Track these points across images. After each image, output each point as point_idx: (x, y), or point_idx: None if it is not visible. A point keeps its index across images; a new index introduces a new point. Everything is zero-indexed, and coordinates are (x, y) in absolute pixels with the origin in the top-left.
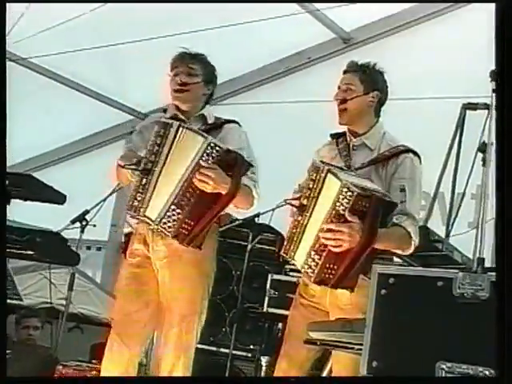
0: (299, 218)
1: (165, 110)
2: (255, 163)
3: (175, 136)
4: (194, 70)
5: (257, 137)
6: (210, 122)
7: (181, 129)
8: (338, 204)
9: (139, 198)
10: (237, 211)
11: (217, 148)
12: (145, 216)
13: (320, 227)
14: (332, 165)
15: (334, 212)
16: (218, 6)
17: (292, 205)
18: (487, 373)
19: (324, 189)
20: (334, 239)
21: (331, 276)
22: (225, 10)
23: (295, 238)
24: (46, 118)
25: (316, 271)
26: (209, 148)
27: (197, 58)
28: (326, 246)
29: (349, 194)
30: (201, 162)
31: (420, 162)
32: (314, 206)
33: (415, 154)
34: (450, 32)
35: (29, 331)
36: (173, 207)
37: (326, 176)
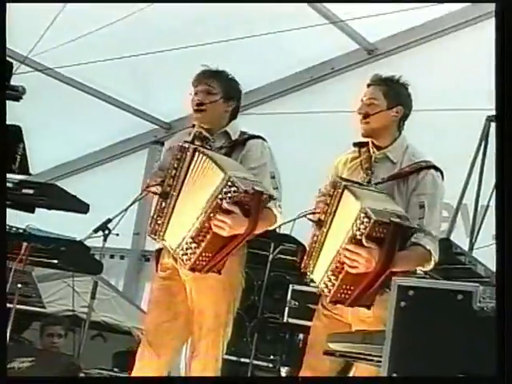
0: (317, 232)
1: (194, 125)
2: (278, 176)
3: (191, 160)
4: (211, 89)
5: (281, 146)
6: (233, 138)
7: (197, 153)
8: (355, 228)
9: (159, 222)
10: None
11: (236, 186)
12: (164, 240)
13: (337, 248)
14: (350, 180)
15: (351, 235)
16: (244, 16)
17: (310, 219)
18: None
19: (341, 206)
20: (351, 259)
21: (347, 296)
22: (250, 21)
23: (314, 253)
24: (69, 128)
25: (332, 291)
26: (227, 186)
27: (215, 75)
28: (343, 267)
29: (366, 220)
30: (219, 200)
31: (442, 177)
32: (331, 222)
33: (437, 169)
34: (475, 44)
35: (53, 339)
36: (190, 240)
37: (342, 192)
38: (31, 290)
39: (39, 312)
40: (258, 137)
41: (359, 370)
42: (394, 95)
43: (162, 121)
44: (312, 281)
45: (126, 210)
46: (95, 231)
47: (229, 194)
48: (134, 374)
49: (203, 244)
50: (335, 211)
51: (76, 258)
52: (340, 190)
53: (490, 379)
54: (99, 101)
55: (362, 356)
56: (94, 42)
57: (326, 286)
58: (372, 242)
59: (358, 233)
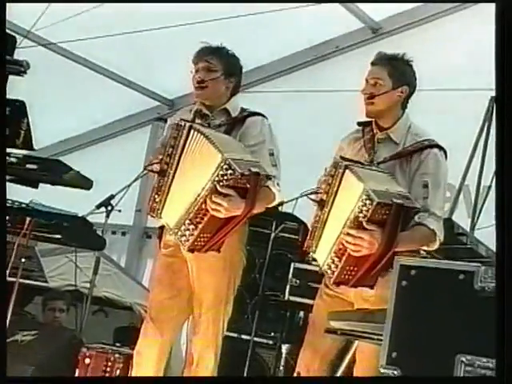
0: (319, 212)
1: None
2: (277, 153)
3: (186, 138)
4: (212, 66)
5: (284, 124)
6: (233, 115)
7: (192, 131)
8: (357, 210)
9: (157, 200)
10: None
11: (232, 168)
12: (161, 218)
13: (340, 230)
14: (351, 160)
15: (353, 217)
16: None
17: (311, 199)
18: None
19: (342, 186)
20: (354, 244)
21: (350, 277)
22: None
23: (316, 233)
24: (73, 103)
25: (336, 273)
26: (223, 169)
27: (215, 52)
28: (345, 249)
29: (368, 202)
30: (215, 184)
31: (446, 156)
32: (333, 202)
33: (440, 148)
34: (480, 23)
35: (55, 313)
36: (187, 222)
37: (343, 173)
38: (34, 265)
39: (42, 286)
40: (258, 114)
41: (360, 348)
42: (399, 75)
43: (165, 98)
44: (314, 260)
45: (128, 186)
46: (98, 207)
47: (225, 177)
48: (138, 351)
49: (200, 226)
50: (337, 191)
51: (78, 233)
52: (341, 170)
53: (490, 379)
54: (103, 77)
55: (363, 334)
56: (98, 18)
57: (330, 268)
58: (374, 224)
59: (360, 215)
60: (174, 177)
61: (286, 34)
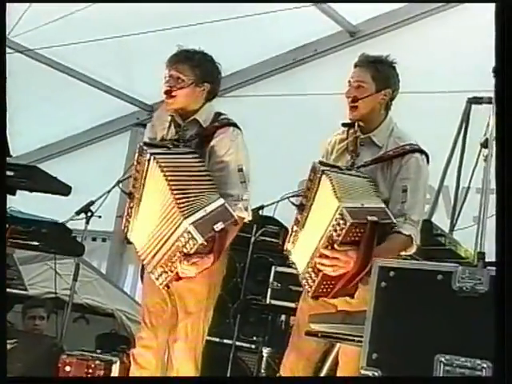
0: (298, 216)
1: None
2: (247, 166)
3: (148, 167)
4: (181, 74)
5: (263, 129)
6: (204, 125)
7: (152, 162)
8: (332, 228)
9: (128, 219)
10: None
11: (192, 234)
12: (127, 237)
13: (316, 244)
14: (329, 165)
15: (328, 235)
16: None
17: (292, 202)
18: (485, 365)
19: (319, 192)
20: (329, 265)
21: (329, 290)
22: (232, 2)
23: (295, 237)
24: (51, 110)
25: (313, 288)
26: (187, 234)
27: (186, 59)
28: (319, 271)
29: (342, 222)
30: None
31: (427, 161)
32: (311, 207)
33: (422, 152)
34: (457, 26)
35: (35, 321)
36: (146, 256)
37: (320, 178)
38: (13, 272)
39: (21, 294)
40: (229, 124)
41: (343, 350)
42: (383, 78)
43: (144, 103)
44: (294, 263)
45: (108, 192)
46: (77, 213)
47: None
48: (135, 356)
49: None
50: (314, 197)
51: (57, 240)
52: (319, 176)
53: (490, 379)
54: (81, 83)
55: (344, 336)
56: (76, 24)
57: (307, 282)
58: (348, 244)
59: (334, 234)
60: (139, 203)
61: (265, 37)
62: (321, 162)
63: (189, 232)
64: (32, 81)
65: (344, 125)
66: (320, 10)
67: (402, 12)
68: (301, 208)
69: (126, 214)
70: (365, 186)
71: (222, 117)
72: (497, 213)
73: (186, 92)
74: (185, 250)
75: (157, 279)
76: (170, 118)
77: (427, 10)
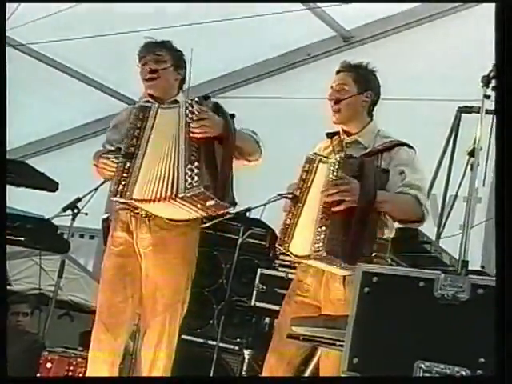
0: (292, 208)
1: (135, 103)
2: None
3: (155, 117)
4: (161, 57)
5: (255, 130)
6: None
7: (160, 110)
8: (330, 177)
9: (123, 182)
10: (249, 164)
11: (195, 99)
12: (132, 199)
13: (317, 211)
14: (324, 156)
15: (327, 181)
16: (221, 1)
17: (285, 197)
18: (463, 373)
19: (316, 178)
20: (337, 193)
21: (340, 245)
22: (227, 5)
23: (289, 230)
24: (41, 105)
25: (326, 241)
26: (189, 106)
27: (162, 44)
28: (328, 214)
29: (335, 162)
30: (187, 119)
31: (415, 154)
32: (307, 195)
33: (410, 147)
34: (450, 34)
35: (18, 317)
36: (189, 166)
37: (317, 165)
38: None
39: None
40: (209, 97)
41: (325, 353)
42: (364, 81)
43: (135, 100)
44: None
45: (95, 189)
46: (64, 210)
47: (195, 110)
48: (92, 358)
49: (198, 164)
50: (311, 185)
51: (42, 236)
52: (315, 164)
53: (490, 379)
54: (72, 79)
55: (325, 340)
56: (69, 19)
57: (317, 242)
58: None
59: (332, 176)
60: (143, 156)
61: (258, 40)
62: (315, 153)
63: (188, 102)
64: (23, 76)
65: (328, 135)
66: (314, 14)
67: (395, 19)
68: (294, 200)
69: (119, 177)
70: None
71: None
72: (496, 221)
73: (167, 74)
74: (193, 115)
75: (185, 186)
76: (143, 101)
77: (421, 18)
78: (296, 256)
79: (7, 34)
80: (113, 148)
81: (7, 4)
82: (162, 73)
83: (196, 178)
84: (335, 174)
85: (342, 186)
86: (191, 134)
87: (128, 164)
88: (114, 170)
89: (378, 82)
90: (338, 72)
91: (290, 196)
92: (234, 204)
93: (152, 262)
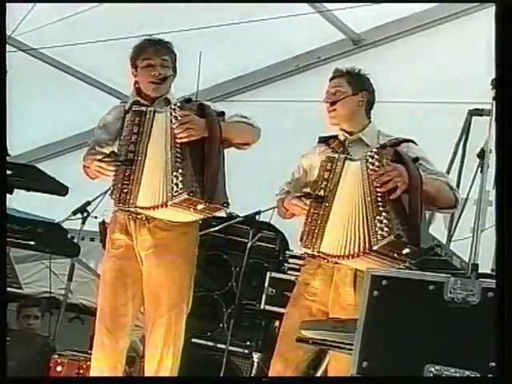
0: (316, 210)
1: (123, 102)
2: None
3: (152, 123)
4: (167, 62)
5: (263, 134)
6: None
7: (156, 114)
8: (371, 168)
9: (126, 190)
10: (244, 148)
11: (178, 105)
12: (136, 207)
13: (353, 210)
14: (349, 153)
15: (370, 178)
16: (231, 4)
17: (306, 197)
18: (473, 377)
19: (342, 177)
20: (388, 181)
21: (405, 229)
22: (237, 7)
23: (316, 231)
24: (52, 109)
25: (390, 225)
26: (172, 112)
27: (168, 49)
28: (385, 205)
29: (374, 152)
30: (172, 125)
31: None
32: (334, 195)
33: (415, 143)
34: (460, 37)
35: (29, 320)
36: (174, 173)
37: (343, 164)
38: (8, 271)
39: (16, 293)
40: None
41: (336, 356)
42: (357, 82)
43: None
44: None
45: (105, 193)
46: (74, 213)
47: (177, 113)
48: (96, 361)
49: (186, 165)
50: (337, 184)
51: (53, 239)
52: (340, 163)
53: (490, 379)
54: (84, 83)
55: (334, 344)
56: (81, 24)
57: (381, 229)
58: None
59: (375, 168)
60: (144, 163)
61: (268, 43)
62: (336, 151)
63: (172, 106)
64: (34, 80)
65: (321, 139)
66: (324, 18)
67: (405, 22)
68: (319, 201)
69: (120, 184)
70: None
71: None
72: (496, 224)
73: (170, 78)
74: (176, 117)
75: (175, 189)
76: (132, 100)
77: (430, 21)
78: (331, 256)
79: (18, 39)
80: (104, 150)
81: (15, 5)
82: (168, 79)
83: (180, 186)
84: (376, 164)
85: (392, 172)
86: (176, 140)
87: (128, 171)
88: (109, 173)
89: (371, 84)
90: (331, 79)
91: (306, 197)
92: (227, 204)
93: (154, 262)
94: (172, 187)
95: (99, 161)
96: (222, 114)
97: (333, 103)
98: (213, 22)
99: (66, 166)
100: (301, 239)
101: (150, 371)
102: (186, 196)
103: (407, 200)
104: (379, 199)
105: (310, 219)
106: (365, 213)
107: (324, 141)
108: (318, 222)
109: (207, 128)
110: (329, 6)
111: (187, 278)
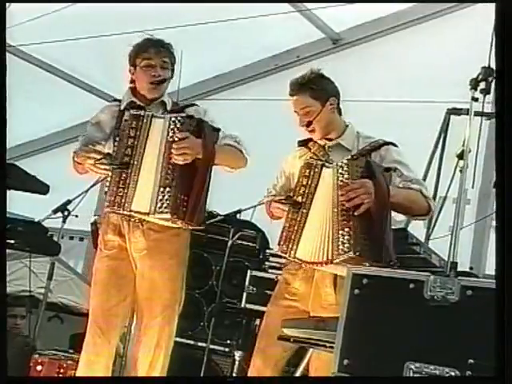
0: (295, 215)
1: (116, 100)
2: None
3: (149, 128)
4: (167, 64)
5: (241, 133)
6: (168, 108)
7: (153, 119)
8: (341, 179)
9: (121, 194)
10: (231, 171)
11: (178, 118)
12: (131, 211)
13: (330, 215)
14: (326, 160)
15: (338, 187)
16: (210, 2)
17: (283, 203)
18: (453, 374)
19: (320, 183)
20: (353, 199)
21: (367, 244)
22: (216, 6)
23: (293, 236)
24: (31, 107)
25: (352, 241)
26: (171, 123)
27: (168, 50)
28: (349, 220)
29: (344, 163)
30: (169, 138)
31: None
32: (311, 201)
33: (395, 145)
34: (440, 36)
35: (16, 320)
36: (161, 189)
37: (321, 170)
38: None
39: None
40: (194, 104)
41: (316, 354)
42: (321, 92)
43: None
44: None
45: (86, 191)
46: (54, 212)
47: (176, 128)
48: (87, 361)
49: (174, 183)
50: (315, 190)
51: (33, 238)
52: (318, 170)
53: (490, 379)
54: (61, 80)
55: (316, 342)
56: (60, 22)
57: (343, 243)
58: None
59: (343, 179)
60: (140, 167)
61: (247, 42)
62: (314, 157)
63: (172, 118)
64: (12, 77)
65: (300, 143)
66: (303, 17)
67: (384, 21)
68: (297, 206)
69: (115, 187)
70: None
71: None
72: (496, 223)
73: (169, 80)
74: (174, 133)
75: (162, 205)
76: (128, 101)
77: (409, 20)
78: (305, 262)
79: None
80: (98, 148)
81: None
82: (167, 80)
83: (165, 204)
84: (345, 177)
85: (359, 189)
86: (171, 156)
87: (124, 175)
88: (102, 172)
89: (332, 82)
90: (292, 95)
91: (286, 201)
92: (204, 223)
93: (148, 264)
94: (156, 203)
95: (95, 163)
96: (218, 130)
97: (309, 125)
98: (191, 20)
99: (45, 164)
100: (278, 243)
101: (141, 372)
102: (169, 216)
103: (373, 215)
104: (344, 213)
105: (288, 224)
106: (331, 224)
107: (304, 144)
108: (295, 227)
109: (202, 150)
110: (309, 5)
111: (180, 279)
